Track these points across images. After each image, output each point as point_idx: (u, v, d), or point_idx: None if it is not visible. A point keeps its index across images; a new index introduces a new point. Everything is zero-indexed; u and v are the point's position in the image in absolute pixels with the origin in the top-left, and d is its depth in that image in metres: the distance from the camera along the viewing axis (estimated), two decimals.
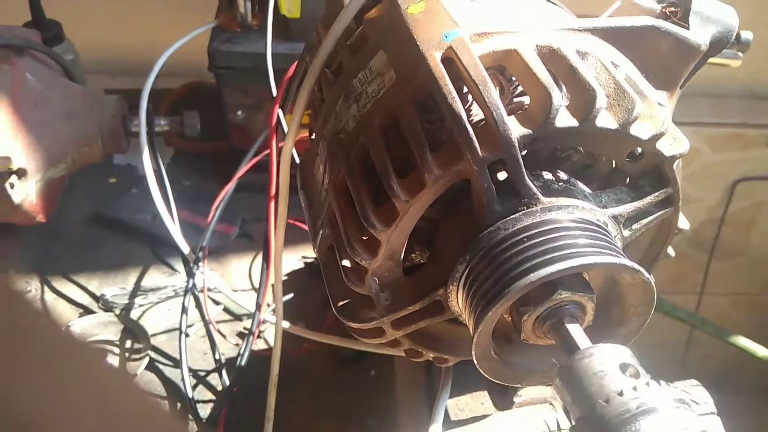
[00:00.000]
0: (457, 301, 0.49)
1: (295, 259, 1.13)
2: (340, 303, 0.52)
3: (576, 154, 0.50)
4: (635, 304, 0.47)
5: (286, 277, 1.09)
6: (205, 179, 1.25)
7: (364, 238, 0.48)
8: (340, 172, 0.50)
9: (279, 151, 0.73)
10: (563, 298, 0.45)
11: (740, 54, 0.73)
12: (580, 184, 0.49)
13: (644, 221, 0.50)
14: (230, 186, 1.03)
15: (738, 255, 1.80)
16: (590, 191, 0.49)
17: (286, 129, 0.80)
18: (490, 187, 0.44)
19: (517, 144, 0.43)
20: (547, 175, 0.48)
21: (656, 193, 0.49)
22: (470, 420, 0.63)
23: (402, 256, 0.49)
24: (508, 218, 0.45)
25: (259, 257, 1.15)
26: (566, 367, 0.42)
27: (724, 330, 1.56)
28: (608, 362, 0.41)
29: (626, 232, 0.50)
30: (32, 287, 1.06)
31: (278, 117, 0.78)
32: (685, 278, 1.87)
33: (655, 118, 0.46)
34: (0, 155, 0.90)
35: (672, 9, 0.53)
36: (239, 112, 1.30)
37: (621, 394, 0.38)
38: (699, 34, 0.51)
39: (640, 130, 0.45)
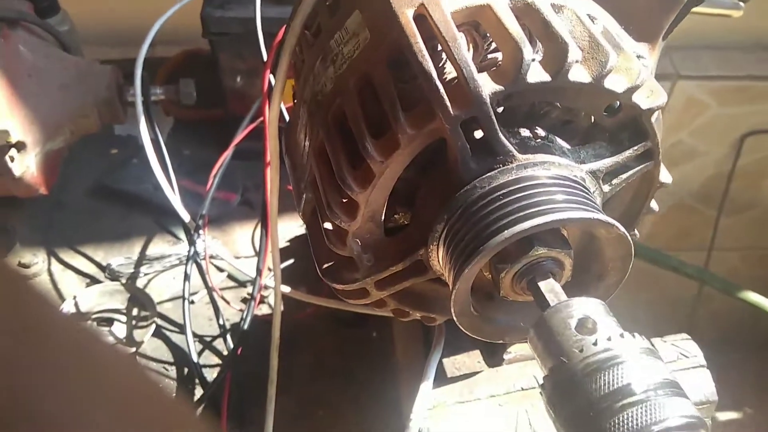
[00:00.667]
0: (438, 261, 0.49)
1: (296, 225, 1.14)
2: (325, 265, 0.53)
3: (554, 110, 0.50)
4: (613, 258, 0.48)
5: (287, 243, 1.11)
6: (205, 148, 1.26)
7: (344, 201, 0.48)
8: (318, 135, 0.50)
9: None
10: (540, 254, 0.45)
11: (741, 4, 0.71)
12: (559, 140, 0.49)
13: (624, 176, 0.50)
14: (227, 154, 1.03)
15: (747, 209, 1.78)
16: (569, 147, 0.49)
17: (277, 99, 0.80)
18: (464, 146, 0.45)
19: (488, 101, 0.43)
20: (525, 132, 0.48)
21: (635, 147, 0.49)
22: (462, 377, 0.64)
23: (383, 218, 0.50)
24: (483, 176, 0.45)
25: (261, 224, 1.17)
26: (539, 321, 0.42)
27: (734, 285, 1.55)
28: (581, 315, 0.42)
29: (606, 188, 0.50)
30: (39, 259, 1.08)
31: (269, 83, 0.78)
32: (693, 234, 1.86)
33: (631, 70, 0.45)
34: None
35: None
36: (237, 78, 1.30)
37: (587, 346, 0.39)
38: None
39: (615, 83, 0.45)
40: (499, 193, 0.45)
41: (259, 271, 0.95)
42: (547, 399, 0.40)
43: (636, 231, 0.56)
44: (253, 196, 1.22)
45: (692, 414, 0.37)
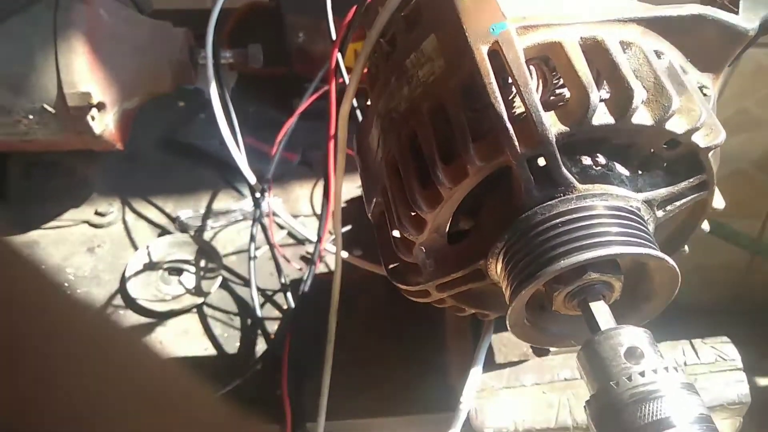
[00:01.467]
0: (496, 272, 0.54)
1: (353, 186, 1.19)
2: (391, 266, 0.58)
3: (617, 138, 0.53)
4: (661, 283, 0.52)
5: (345, 204, 1.17)
6: (268, 104, 1.31)
7: (413, 214, 0.53)
8: (390, 151, 0.55)
9: (338, 96, 0.78)
10: (592, 279, 0.50)
11: None
12: (618, 168, 0.53)
13: (678, 203, 0.54)
14: (292, 120, 1.08)
15: None
16: (628, 173, 0.53)
17: (344, 73, 0.84)
18: (528, 177, 0.49)
19: (554, 141, 0.47)
20: (586, 161, 0.52)
21: (691, 179, 0.52)
22: (510, 364, 0.70)
23: (447, 229, 0.55)
24: (544, 204, 0.50)
25: (320, 184, 1.22)
26: (587, 344, 0.47)
27: None
28: (627, 345, 0.46)
29: (660, 213, 0.53)
30: (114, 209, 1.17)
31: (337, 60, 0.82)
32: (750, 202, 1.85)
33: (693, 112, 0.48)
34: (81, 91, 0.98)
35: None
36: (300, 35, 1.33)
37: (635, 376, 0.44)
38: (748, 18, 0.51)
39: (676, 125, 0.48)
40: (557, 221, 0.49)
41: (319, 238, 1.01)
42: (592, 417, 0.46)
43: (686, 247, 0.60)
44: (313, 156, 1.28)
45: None
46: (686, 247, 0.59)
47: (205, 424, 0.27)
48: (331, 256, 1.11)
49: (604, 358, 0.46)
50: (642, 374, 0.44)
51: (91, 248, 1.14)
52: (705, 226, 0.58)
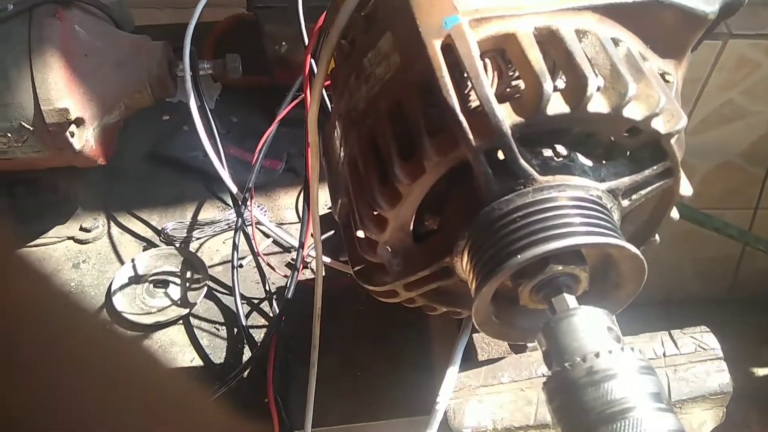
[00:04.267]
0: (463, 269, 0.53)
1: None
2: (357, 267, 0.57)
3: (576, 127, 0.52)
4: (628, 271, 0.50)
5: (328, 210, 1.16)
6: (252, 115, 1.30)
7: (374, 214, 0.52)
8: (351, 151, 0.53)
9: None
10: (555, 272, 0.48)
11: None
12: (580, 158, 0.51)
13: (643, 192, 0.52)
14: (273, 128, 1.07)
15: None
16: (591, 164, 0.52)
17: None
18: (485, 171, 0.47)
19: (509, 132, 0.45)
20: (547, 152, 0.51)
21: (654, 167, 0.51)
22: (488, 362, 0.68)
23: (411, 227, 0.54)
24: (503, 198, 0.48)
25: None
26: (545, 326, 0.46)
27: None
28: (586, 324, 0.45)
29: (625, 202, 0.52)
30: (99, 223, 1.16)
31: (311, 66, 0.81)
32: (739, 193, 1.84)
33: (651, 98, 0.47)
34: (59, 107, 0.97)
35: None
36: (282, 45, 1.33)
37: (589, 357, 0.43)
38: (707, 1, 0.50)
39: (634, 111, 0.47)
40: (516, 214, 0.48)
41: (301, 244, 1.00)
42: (547, 398, 0.44)
43: (657, 236, 0.58)
44: (298, 163, 1.27)
45: (676, 429, 0.41)
46: (657, 237, 0.58)
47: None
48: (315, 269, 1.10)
49: (560, 340, 0.45)
50: (597, 355, 0.43)
51: (76, 264, 1.13)
52: (674, 213, 0.57)
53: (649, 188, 0.52)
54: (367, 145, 0.52)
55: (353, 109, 0.54)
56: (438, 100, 0.49)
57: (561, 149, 0.51)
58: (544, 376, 0.66)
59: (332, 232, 1.07)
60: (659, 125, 0.48)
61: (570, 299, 0.49)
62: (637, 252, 0.48)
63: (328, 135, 0.61)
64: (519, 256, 0.46)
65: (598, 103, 0.46)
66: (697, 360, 0.66)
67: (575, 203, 0.48)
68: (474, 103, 0.48)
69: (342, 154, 0.57)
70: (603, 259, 0.52)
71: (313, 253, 1.05)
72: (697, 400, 0.65)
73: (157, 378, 0.29)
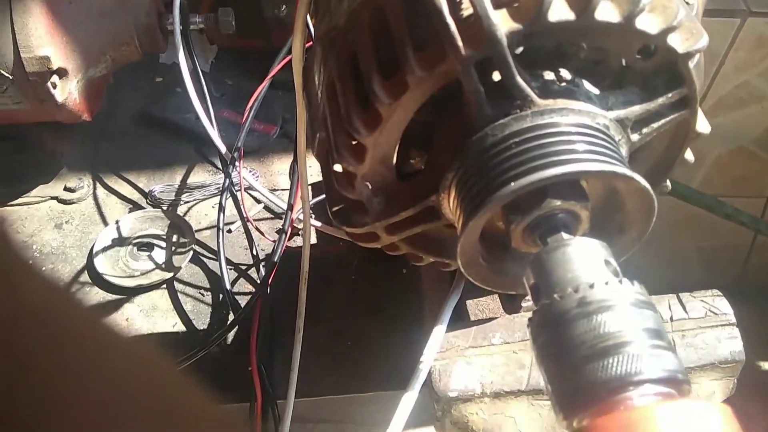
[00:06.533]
0: (450, 208, 0.47)
1: None
2: (335, 207, 0.51)
3: (583, 50, 0.45)
4: (635, 211, 0.44)
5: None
6: (247, 78, 1.24)
7: (352, 143, 0.46)
8: (330, 74, 0.47)
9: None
10: (554, 207, 0.42)
11: None
12: (586, 84, 0.45)
13: (655, 125, 0.46)
14: (264, 85, 1.01)
15: None
16: (597, 92, 0.45)
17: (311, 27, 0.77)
18: (477, 89, 0.41)
19: (504, 40, 0.39)
20: (548, 75, 0.44)
21: (669, 94, 0.44)
22: (478, 322, 0.62)
23: (394, 161, 0.48)
24: (497, 123, 0.42)
25: None
26: (536, 257, 0.40)
27: None
28: (580, 255, 0.39)
29: (634, 137, 0.46)
30: (84, 184, 1.11)
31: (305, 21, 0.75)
32: (751, 180, 1.76)
33: (668, 9, 0.41)
34: (39, 55, 0.92)
35: None
36: (282, 8, 1.27)
37: (582, 287, 0.37)
38: None
39: (648, 23, 0.40)
40: (512, 141, 0.41)
41: (290, 206, 0.94)
42: (532, 335, 0.38)
43: (668, 182, 0.52)
44: (293, 128, 1.21)
45: (675, 369, 0.35)
46: (668, 183, 0.52)
47: (168, 401, 0.25)
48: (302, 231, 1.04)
49: (551, 270, 0.39)
50: (591, 286, 0.36)
51: (59, 224, 1.08)
52: (689, 155, 0.50)
53: (662, 120, 0.46)
54: (346, 63, 0.45)
55: (333, 28, 0.48)
56: (425, 5, 0.43)
57: (565, 73, 0.45)
58: None
59: (323, 195, 1.01)
60: (676, 42, 0.42)
61: (567, 238, 0.42)
62: (647, 186, 0.41)
63: (309, 65, 0.55)
64: (513, 184, 0.39)
65: (607, 11, 0.39)
66: (708, 325, 0.59)
67: (579, 129, 0.42)
68: (466, 11, 0.42)
69: (320, 80, 0.51)
70: (607, 197, 0.45)
71: (301, 216, 0.99)
72: (706, 368, 0.58)
73: (131, 345, 0.26)
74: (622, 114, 0.44)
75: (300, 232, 1.06)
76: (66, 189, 1.10)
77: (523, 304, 0.60)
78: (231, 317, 0.96)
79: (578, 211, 0.43)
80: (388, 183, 0.48)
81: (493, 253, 0.47)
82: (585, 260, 0.39)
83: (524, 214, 0.42)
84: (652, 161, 0.50)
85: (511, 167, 0.40)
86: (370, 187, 0.48)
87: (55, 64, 0.93)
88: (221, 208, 0.98)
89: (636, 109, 0.44)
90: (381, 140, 0.45)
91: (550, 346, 0.37)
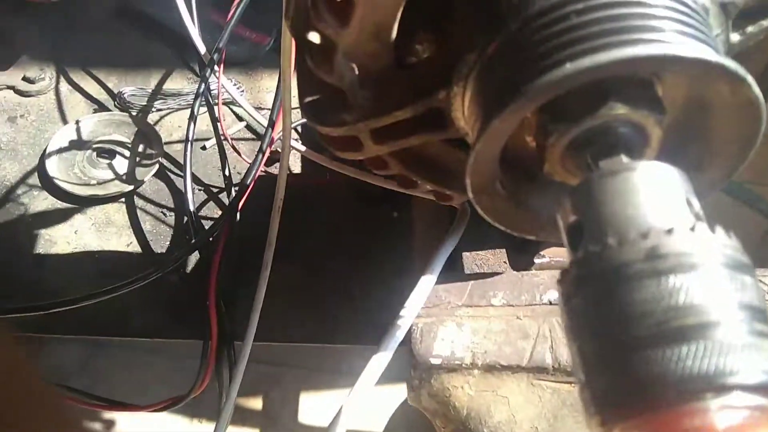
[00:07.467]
0: (463, 110, 0.33)
1: None
2: (308, 98, 0.37)
3: None
4: (729, 138, 0.30)
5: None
6: None
7: None
8: None
9: None
10: (616, 114, 0.28)
11: None
12: None
13: (766, 23, 0.32)
14: None
15: None
16: None
17: None
18: None
19: None
20: None
21: None
22: (478, 276, 0.49)
23: (393, 34, 0.34)
24: None
25: None
26: (582, 184, 0.27)
27: None
28: (651, 186, 0.26)
29: (735, 36, 0.32)
30: (46, 75, 0.96)
31: None
32: None
33: None
34: None
35: None
36: None
37: (654, 233, 0.23)
38: None
39: None
40: (571, 9, 0.27)
41: (271, 122, 0.80)
42: (567, 290, 0.25)
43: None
44: None
45: None
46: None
47: None
48: (296, 153, 0.90)
49: (606, 204, 0.25)
50: (669, 232, 0.23)
51: (12, 117, 0.94)
52: None
53: None
54: None
55: None
56: None
57: None
58: (551, 304, 0.47)
59: None
60: None
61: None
62: (760, 96, 0.27)
63: None
64: (568, 65, 0.26)
65: None
66: None
67: (669, 3, 0.28)
68: None
69: None
70: (688, 116, 0.32)
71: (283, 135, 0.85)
72: None
73: None
74: None
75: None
76: (24, 79, 0.96)
77: (537, 260, 0.47)
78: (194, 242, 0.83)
79: (649, 128, 0.29)
80: (382, 67, 0.35)
81: (516, 179, 0.33)
82: (658, 194, 0.26)
83: (572, 121, 0.29)
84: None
85: (566, 44, 0.27)
86: (356, 70, 0.34)
87: None
88: (192, 116, 0.84)
89: None
90: None
91: (591, 312, 0.24)
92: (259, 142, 0.96)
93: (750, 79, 0.26)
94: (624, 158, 0.29)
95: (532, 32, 0.28)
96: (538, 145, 0.31)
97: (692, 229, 0.24)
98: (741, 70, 0.26)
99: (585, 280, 0.25)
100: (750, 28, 0.32)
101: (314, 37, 0.34)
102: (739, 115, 0.29)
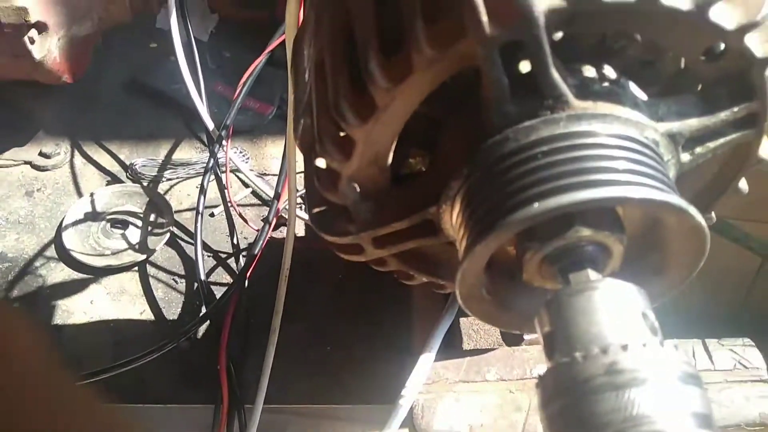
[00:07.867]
0: (451, 224, 0.38)
1: None
2: (316, 209, 0.42)
3: (632, 46, 0.36)
4: (681, 252, 0.35)
5: None
6: (246, 52, 1.14)
7: (340, 135, 0.37)
8: (320, 49, 0.38)
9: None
10: (581, 237, 0.33)
11: None
12: (632, 87, 0.36)
13: (712, 144, 0.37)
14: (261, 60, 0.92)
15: None
16: (645, 98, 0.36)
17: None
18: (500, 80, 0.32)
19: (541, 20, 0.30)
20: (589, 72, 0.35)
21: (735, 108, 0.35)
22: (474, 352, 0.53)
23: (389, 161, 0.38)
24: (521, 125, 0.33)
25: None
26: (552, 300, 0.31)
27: None
28: (611, 303, 0.30)
29: (685, 157, 0.37)
30: (61, 150, 1.01)
31: None
32: (763, 205, 1.67)
33: (749, 2, 0.31)
34: (16, 5, 0.82)
35: None
36: None
37: (613, 349, 0.28)
38: None
39: (724, 16, 0.31)
40: (538, 150, 0.32)
41: (277, 194, 0.85)
42: (543, 398, 0.29)
43: (712, 214, 0.43)
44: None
45: None
46: (713, 215, 0.43)
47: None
48: (299, 220, 0.95)
49: (572, 320, 0.30)
50: (624, 348, 0.28)
51: (30, 192, 0.99)
52: (743, 184, 0.41)
53: (721, 140, 0.36)
54: (340, 32, 0.36)
55: None
56: None
57: (609, 71, 0.36)
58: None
59: None
60: (754, 44, 0.33)
61: (594, 278, 0.34)
62: (703, 223, 0.32)
63: (300, 36, 0.46)
64: (536, 205, 0.30)
65: None
66: (735, 380, 0.51)
67: (622, 143, 0.33)
68: None
69: (310, 54, 0.41)
70: (646, 231, 0.36)
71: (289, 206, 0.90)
72: (729, 429, 0.50)
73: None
74: (675, 128, 0.35)
75: (288, 223, 0.97)
76: (41, 154, 1.01)
77: (526, 337, 0.51)
78: (204, 310, 0.87)
79: (610, 245, 0.34)
80: (380, 187, 0.39)
81: (499, 282, 0.38)
82: (617, 311, 0.30)
83: (543, 242, 0.33)
84: (696, 189, 0.41)
85: (535, 183, 0.31)
86: (357, 189, 0.39)
87: (34, 17, 0.83)
88: (202, 189, 0.89)
89: (692, 123, 0.35)
90: (374, 134, 0.35)
91: (564, 419, 0.29)
92: (264, 208, 1.01)
93: (692, 210, 0.31)
94: (590, 272, 0.33)
95: (505, 169, 0.33)
96: (517, 256, 0.36)
97: (644, 345, 0.28)
98: (683, 204, 0.31)
99: (558, 389, 0.29)
100: (698, 149, 0.37)
101: (321, 162, 0.39)
102: (688, 234, 0.33)
